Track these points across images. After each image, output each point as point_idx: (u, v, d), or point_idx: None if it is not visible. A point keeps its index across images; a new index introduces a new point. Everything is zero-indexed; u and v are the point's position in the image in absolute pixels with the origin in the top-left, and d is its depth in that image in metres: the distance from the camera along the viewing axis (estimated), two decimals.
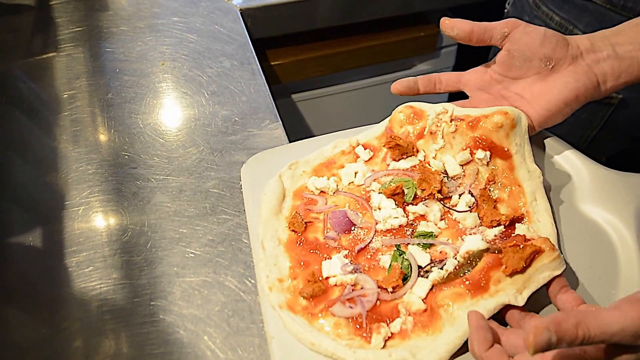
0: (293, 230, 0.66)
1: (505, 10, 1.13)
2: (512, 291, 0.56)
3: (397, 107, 0.75)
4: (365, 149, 0.74)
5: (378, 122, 0.80)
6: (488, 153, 0.68)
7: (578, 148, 0.75)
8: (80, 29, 1.05)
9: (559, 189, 0.71)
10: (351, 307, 0.58)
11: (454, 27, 0.71)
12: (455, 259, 0.60)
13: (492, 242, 0.62)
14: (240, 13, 1.11)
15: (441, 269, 0.60)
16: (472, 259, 0.59)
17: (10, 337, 0.61)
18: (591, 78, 0.68)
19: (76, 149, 0.82)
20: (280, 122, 0.86)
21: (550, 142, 0.76)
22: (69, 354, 0.59)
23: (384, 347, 0.55)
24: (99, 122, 0.86)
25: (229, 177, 0.77)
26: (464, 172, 0.69)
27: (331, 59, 1.37)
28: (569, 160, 0.74)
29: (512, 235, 0.62)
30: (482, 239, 0.60)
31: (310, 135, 0.84)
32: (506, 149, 0.69)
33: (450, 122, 0.70)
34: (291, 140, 0.83)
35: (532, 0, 0.99)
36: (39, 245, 0.69)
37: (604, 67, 0.68)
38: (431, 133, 0.72)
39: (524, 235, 0.60)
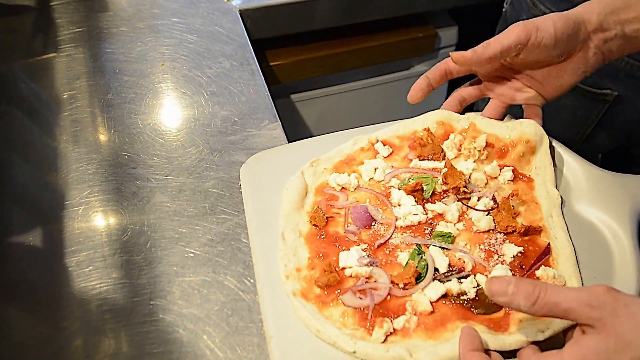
0: (314, 225, 0.67)
1: (504, 10, 1.13)
2: (533, 330, 0.55)
3: (422, 113, 0.78)
4: (384, 145, 0.75)
5: (378, 123, 0.80)
6: (512, 174, 0.71)
7: (574, 145, 0.76)
8: (80, 29, 1.05)
9: None
10: (361, 298, 0.59)
11: (472, 64, 0.71)
12: (473, 275, 0.61)
13: (513, 271, 0.62)
14: (240, 14, 1.12)
15: (459, 279, 0.60)
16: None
17: (10, 336, 0.61)
18: (599, 58, 0.69)
19: (76, 149, 0.82)
20: (280, 123, 0.87)
21: None
22: (69, 352, 0.59)
23: (384, 341, 0.56)
24: (99, 122, 0.87)
25: (228, 177, 0.77)
26: (487, 182, 0.71)
27: (330, 59, 1.37)
28: (564, 161, 0.74)
29: (534, 268, 0.62)
30: (507, 272, 0.60)
31: (310, 135, 0.85)
32: (528, 175, 0.71)
33: (483, 150, 0.73)
34: (290, 140, 0.83)
35: None
36: (39, 244, 0.70)
37: (611, 45, 0.69)
38: (460, 149, 0.75)
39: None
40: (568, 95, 0.97)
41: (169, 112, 0.89)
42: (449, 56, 0.74)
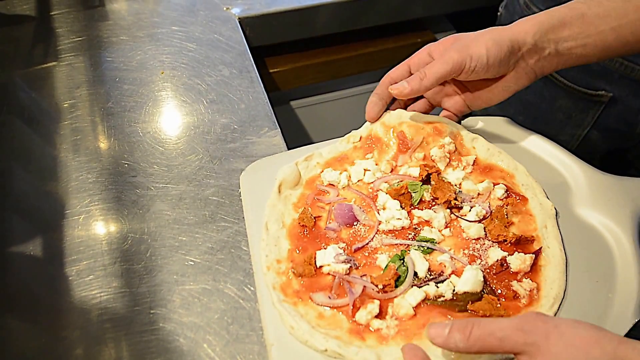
0: (303, 225, 0.67)
1: (499, 14, 1.14)
2: None
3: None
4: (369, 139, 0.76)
5: None
6: (504, 192, 0.71)
7: (569, 147, 0.76)
8: (80, 38, 1.06)
9: (556, 193, 0.71)
10: (329, 297, 0.60)
11: (410, 96, 0.71)
12: (449, 278, 0.61)
13: (489, 277, 0.62)
14: (239, 22, 1.12)
15: (437, 284, 0.60)
16: (466, 296, 0.60)
17: (11, 346, 0.61)
18: (530, 76, 0.72)
19: (76, 157, 0.82)
20: (279, 130, 0.87)
21: (547, 147, 0.76)
22: None
23: (363, 331, 0.57)
24: (99, 130, 0.87)
25: (228, 185, 0.77)
26: (479, 192, 0.71)
27: (329, 65, 1.37)
28: (565, 164, 0.74)
29: (509, 277, 0.62)
30: (481, 276, 0.60)
31: (310, 142, 0.85)
32: (522, 194, 0.71)
33: (471, 166, 0.74)
34: (290, 147, 0.83)
35: (522, 1, 1.00)
36: (40, 253, 0.70)
37: (544, 64, 0.71)
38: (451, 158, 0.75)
39: (516, 292, 0.60)
40: (563, 97, 0.97)
41: (169, 120, 0.89)
42: None
